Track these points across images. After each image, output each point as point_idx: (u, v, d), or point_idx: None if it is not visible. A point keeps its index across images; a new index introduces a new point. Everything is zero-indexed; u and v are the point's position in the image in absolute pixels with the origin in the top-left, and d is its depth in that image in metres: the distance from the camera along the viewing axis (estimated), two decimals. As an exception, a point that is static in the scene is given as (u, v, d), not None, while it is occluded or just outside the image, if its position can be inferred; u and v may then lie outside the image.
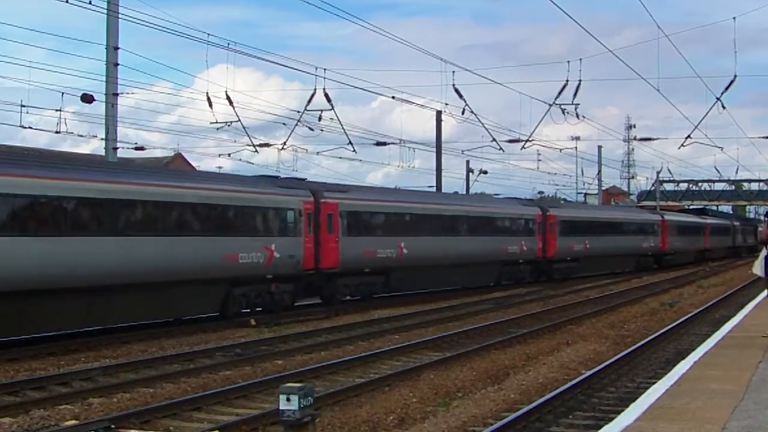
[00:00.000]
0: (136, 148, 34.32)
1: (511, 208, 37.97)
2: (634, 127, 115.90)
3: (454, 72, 32.87)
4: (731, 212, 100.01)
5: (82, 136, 76.39)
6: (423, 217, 30.34)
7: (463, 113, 33.05)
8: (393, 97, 34.99)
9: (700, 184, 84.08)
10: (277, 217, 23.43)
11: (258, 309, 22.89)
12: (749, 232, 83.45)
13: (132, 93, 34.84)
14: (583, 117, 34.30)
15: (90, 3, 20.21)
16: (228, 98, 27.12)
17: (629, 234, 49.03)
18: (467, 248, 32.12)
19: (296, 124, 30.83)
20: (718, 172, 70.39)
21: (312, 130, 31.42)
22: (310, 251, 24.34)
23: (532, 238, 37.57)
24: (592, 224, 43.72)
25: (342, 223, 25.71)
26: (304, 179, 28.82)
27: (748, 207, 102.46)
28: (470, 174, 57.45)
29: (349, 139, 32.41)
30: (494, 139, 37.20)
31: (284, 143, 32.94)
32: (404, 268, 28.59)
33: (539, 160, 52.43)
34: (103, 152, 24.47)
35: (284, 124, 35.10)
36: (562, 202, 60.82)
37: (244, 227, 22.17)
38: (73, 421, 10.52)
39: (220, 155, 62.35)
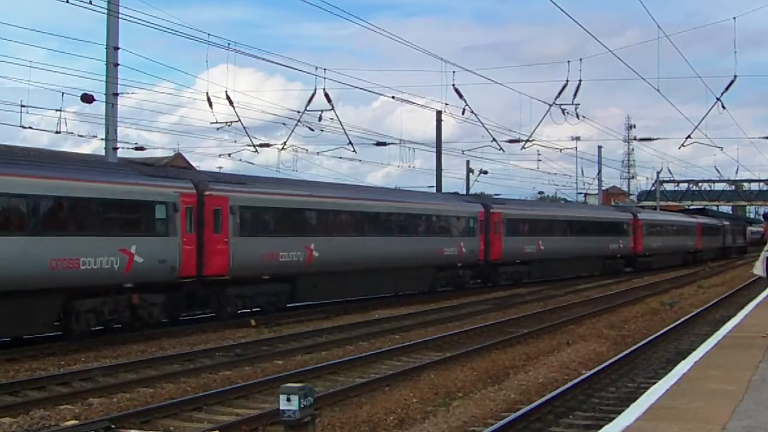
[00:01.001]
0: (136, 148, 34.31)
1: (447, 204, 33.03)
2: (634, 127, 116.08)
3: (454, 72, 32.96)
4: (731, 212, 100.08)
5: (82, 136, 76.54)
6: (338, 214, 26.01)
7: (463, 113, 33.12)
8: (393, 97, 35.07)
9: (700, 184, 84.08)
10: (139, 212, 19.30)
11: (116, 326, 18.99)
12: (738, 232, 79.46)
13: (132, 93, 34.94)
14: (584, 117, 34.35)
15: (90, 3, 20.23)
16: (228, 98, 27.15)
17: (593, 234, 43.78)
18: (394, 250, 27.65)
19: (296, 124, 30.87)
20: (719, 172, 70.50)
21: (312, 130, 31.50)
22: (190, 254, 20.13)
23: (472, 238, 32.88)
24: (546, 223, 39.43)
25: (233, 221, 21.41)
26: (189, 168, 25.38)
27: (748, 207, 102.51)
28: (470, 174, 57.50)
29: (349, 139, 32.41)
30: (494, 139, 37.27)
31: (284, 143, 32.99)
32: (314, 274, 24.10)
33: (539, 161, 52.46)
34: (103, 152, 24.47)
35: (284, 124, 35.15)
36: (527, 199, 56.61)
37: (89, 225, 18.05)
38: (73, 421, 10.52)
39: (220, 155, 62.36)
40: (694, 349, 13.21)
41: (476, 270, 34.06)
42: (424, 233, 30.48)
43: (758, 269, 14.37)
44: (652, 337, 18.23)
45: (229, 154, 37.27)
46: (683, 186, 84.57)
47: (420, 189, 47.12)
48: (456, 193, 37.44)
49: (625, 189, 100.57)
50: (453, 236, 31.92)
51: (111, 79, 23.13)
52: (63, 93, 25.76)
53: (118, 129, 23.99)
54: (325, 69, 28.60)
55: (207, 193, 20.99)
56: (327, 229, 25.23)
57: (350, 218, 26.55)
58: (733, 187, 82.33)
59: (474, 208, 34.02)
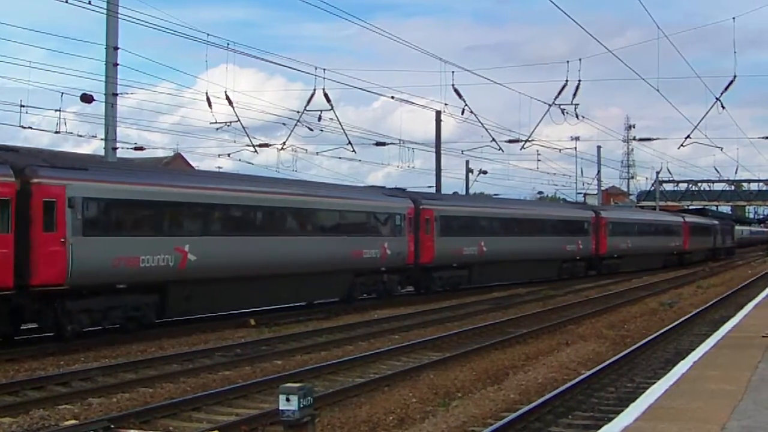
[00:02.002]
0: (136, 148, 34.37)
1: (366, 199, 28.37)
2: (634, 127, 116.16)
3: (453, 72, 32.95)
4: (731, 212, 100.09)
5: (81, 136, 76.43)
6: (222, 209, 21.54)
7: (462, 113, 33.15)
8: (392, 97, 35.09)
9: (699, 184, 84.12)
10: None
11: None
12: (726, 232, 74.93)
13: (132, 93, 34.93)
14: (583, 117, 34.38)
15: (90, 3, 20.23)
16: (227, 98, 27.16)
17: (546, 233, 39.40)
18: (295, 253, 23.54)
19: (296, 125, 30.85)
20: (718, 172, 70.42)
21: (311, 130, 31.51)
22: (6, 260, 16.20)
23: (399, 238, 28.72)
24: (489, 221, 35.00)
25: (72, 216, 17.84)
26: None
27: (747, 207, 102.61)
28: (470, 174, 57.50)
29: (348, 139, 32.35)
30: (494, 139, 37.26)
31: (284, 143, 32.97)
32: (190, 282, 20.05)
33: (539, 161, 52.41)
34: (103, 152, 24.47)
35: (284, 124, 35.15)
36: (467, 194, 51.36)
37: None
38: (73, 421, 10.52)
39: (219, 155, 62.36)
40: (694, 349, 13.24)
41: (404, 275, 29.71)
42: (336, 232, 26.05)
43: None
44: (651, 337, 18.24)
45: (229, 154, 37.29)
46: (683, 186, 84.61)
47: (419, 189, 47.01)
48: (381, 187, 32.18)
49: (625, 189, 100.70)
50: (374, 236, 27.62)
51: (110, 79, 23.13)
52: (62, 93, 25.82)
53: (119, 129, 24.00)
54: (324, 69, 28.62)
55: (35, 181, 16.81)
56: (207, 228, 20.92)
57: (237, 214, 22.16)
58: (733, 188, 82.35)
59: (401, 203, 29.52)
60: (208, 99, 27.05)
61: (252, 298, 22.97)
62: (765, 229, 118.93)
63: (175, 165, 55.36)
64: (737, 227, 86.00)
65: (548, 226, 39.96)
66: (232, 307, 22.54)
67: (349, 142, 32.66)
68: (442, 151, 43.83)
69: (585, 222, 43.48)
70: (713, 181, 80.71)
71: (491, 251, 33.61)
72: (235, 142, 33.73)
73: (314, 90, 28.89)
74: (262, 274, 22.37)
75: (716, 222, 70.94)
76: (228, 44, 24.93)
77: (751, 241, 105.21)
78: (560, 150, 52.45)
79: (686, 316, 22.69)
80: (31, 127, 29.47)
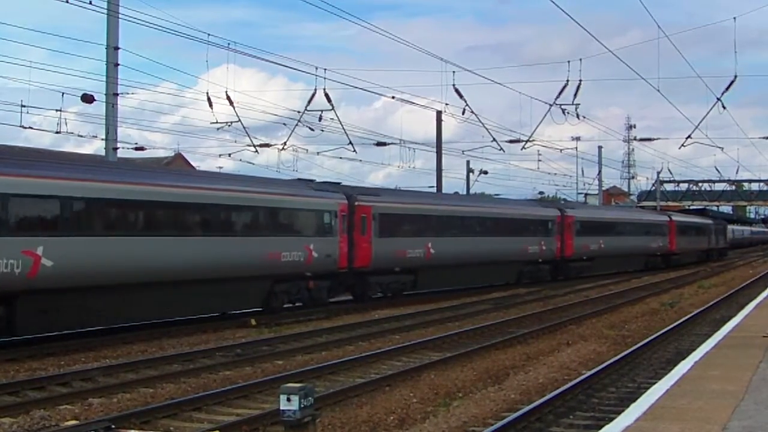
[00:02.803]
0: (136, 148, 34.37)
1: (290, 194, 24.55)
2: (635, 127, 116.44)
3: (454, 72, 33.05)
4: (731, 212, 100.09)
5: (82, 136, 76.47)
6: (93, 204, 17.90)
7: (463, 113, 33.14)
8: (393, 98, 35.07)
9: (700, 184, 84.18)
10: None
11: None
12: (718, 232, 71.07)
13: (133, 93, 34.89)
14: (584, 117, 34.36)
15: (90, 3, 20.24)
16: (228, 98, 27.16)
17: (504, 234, 35.20)
18: (197, 255, 20.17)
19: (296, 124, 30.84)
20: (719, 172, 70.55)
21: (312, 130, 31.52)
22: None
23: (329, 239, 25.28)
24: (438, 220, 30.94)
25: None
26: None
27: (748, 207, 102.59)
28: (470, 174, 57.52)
29: (349, 139, 32.31)
30: (494, 140, 37.27)
31: (284, 143, 32.96)
32: (46, 292, 16.56)
33: (540, 161, 52.43)
34: (104, 152, 24.47)
35: (284, 124, 35.15)
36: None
37: None
38: (73, 421, 10.51)
39: (220, 155, 62.38)
40: (695, 349, 13.23)
41: (337, 281, 26.24)
42: (247, 232, 22.34)
43: None
44: (652, 337, 18.22)
45: (230, 155, 37.28)
46: (683, 186, 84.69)
47: (421, 189, 46.91)
48: (310, 181, 28.44)
49: (626, 189, 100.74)
50: (297, 236, 24.06)
51: (111, 79, 23.15)
52: (63, 93, 25.81)
53: (120, 129, 24.00)
54: (325, 69, 28.59)
55: None
56: (69, 226, 17.24)
57: (113, 210, 18.58)
58: (734, 188, 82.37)
59: (331, 199, 25.91)
60: (208, 99, 27.09)
61: (136, 311, 19.14)
62: (761, 230, 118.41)
63: (176, 165, 55.42)
64: (730, 227, 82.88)
65: (506, 226, 35.67)
66: (108, 322, 19.07)
67: (350, 142, 32.66)
68: (442, 152, 43.88)
69: (549, 221, 39.48)
70: (714, 181, 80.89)
71: (440, 253, 30.04)
72: (235, 142, 33.75)
73: (315, 90, 28.93)
74: (146, 280, 18.73)
75: (710, 221, 67.85)
76: (229, 44, 24.99)
77: (747, 241, 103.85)
78: (561, 150, 52.65)
79: (687, 316, 22.68)
80: (31, 127, 29.46)
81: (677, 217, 58.52)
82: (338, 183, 29.57)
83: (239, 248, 21.62)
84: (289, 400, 7.89)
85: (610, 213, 51.39)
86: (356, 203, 26.79)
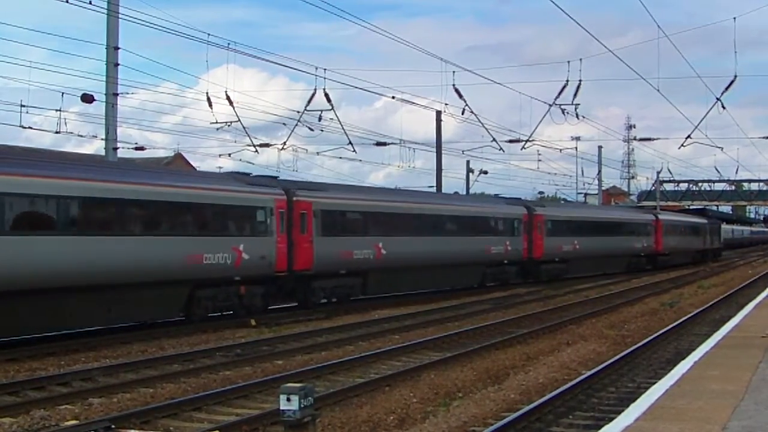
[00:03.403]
0: (136, 148, 34.38)
1: (213, 188, 21.61)
2: (634, 127, 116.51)
3: (454, 72, 33.03)
4: (731, 212, 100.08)
5: (82, 136, 76.39)
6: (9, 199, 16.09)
7: (463, 113, 33.17)
8: (393, 98, 35.05)
9: (700, 184, 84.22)
10: None
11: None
12: (714, 231, 68.22)
13: (133, 93, 34.88)
14: (583, 117, 34.36)
15: (90, 3, 20.24)
16: (228, 98, 27.17)
17: (463, 233, 32.53)
18: (104, 256, 17.86)
19: (296, 124, 30.84)
20: (719, 172, 70.56)
21: (312, 130, 31.55)
22: None
23: (263, 239, 22.60)
24: (389, 218, 28.30)
25: None
26: None
27: (748, 207, 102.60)
28: (470, 174, 57.53)
29: (349, 139, 32.29)
30: (494, 140, 37.28)
31: (284, 143, 32.96)
32: None
33: (539, 161, 52.44)
34: (104, 152, 24.46)
35: (284, 124, 35.14)
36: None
37: None
38: (73, 421, 10.52)
39: (220, 155, 62.36)
40: (694, 349, 13.24)
41: (275, 285, 23.54)
42: (163, 231, 19.81)
43: None
44: (652, 337, 18.22)
45: (230, 154, 37.28)
46: (683, 186, 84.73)
47: (418, 189, 46.80)
48: (245, 174, 24.87)
49: (626, 189, 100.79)
50: (223, 236, 21.50)
51: (111, 79, 23.15)
52: (63, 93, 25.81)
53: (121, 129, 24.02)
54: (325, 69, 28.59)
55: None
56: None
57: (32, 206, 16.90)
58: (734, 188, 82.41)
59: (266, 194, 23.14)
60: (208, 99, 27.10)
61: (23, 321, 16.72)
62: (761, 230, 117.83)
63: (176, 165, 55.41)
64: (726, 226, 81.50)
65: (467, 224, 32.90)
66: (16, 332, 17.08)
67: (350, 142, 32.64)
68: (442, 151, 43.87)
69: (515, 220, 36.38)
70: (714, 181, 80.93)
71: (392, 254, 27.38)
72: (235, 142, 33.77)
73: (315, 90, 28.93)
74: (35, 287, 16.35)
75: (704, 221, 65.32)
76: (228, 44, 25.01)
77: (747, 241, 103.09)
78: (561, 150, 52.63)
79: (687, 316, 22.68)
80: (31, 128, 29.42)
81: (664, 216, 56.04)
82: (275, 177, 26.44)
83: (149, 249, 18.95)
84: (289, 400, 7.89)
85: (586, 211, 48.00)
86: (295, 198, 23.97)
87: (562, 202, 67.09)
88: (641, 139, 55.93)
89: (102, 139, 24.34)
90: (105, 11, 22.58)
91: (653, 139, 52.10)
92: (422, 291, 30.66)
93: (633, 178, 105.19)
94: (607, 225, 46.22)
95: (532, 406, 10.93)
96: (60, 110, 25.59)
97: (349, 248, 25.88)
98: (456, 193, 47.58)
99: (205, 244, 20.65)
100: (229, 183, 22.61)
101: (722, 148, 60.82)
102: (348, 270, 26.06)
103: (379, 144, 40.50)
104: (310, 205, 24.38)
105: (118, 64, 23.26)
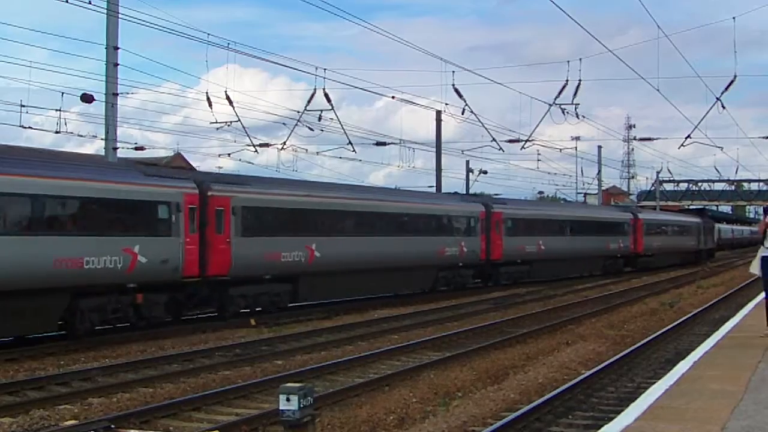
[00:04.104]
0: (136, 148, 34.34)
1: (101, 180, 18.51)
2: (634, 127, 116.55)
3: (454, 72, 32.92)
4: (731, 212, 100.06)
5: (82, 136, 76.54)
6: None
7: (462, 113, 33.15)
8: (393, 98, 35.03)
9: (700, 184, 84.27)
10: None
11: None
12: (707, 231, 64.60)
13: (133, 93, 34.92)
14: (583, 117, 34.37)
15: (90, 3, 20.23)
16: (228, 98, 27.16)
17: (412, 233, 29.47)
18: None
19: (296, 124, 30.83)
20: (718, 172, 70.58)
21: (312, 130, 31.52)
22: None
23: (167, 239, 19.55)
24: (324, 216, 25.19)
25: None
26: None
27: (748, 207, 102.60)
28: (470, 174, 57.52)
29: (349, 139, 32.27)
30: (494, 139, 37.26)
31: (284, 143, 32.95)
32: None
33: (539, 161, 52.42)
34: (104, 152, 24.45)
35: (284, 124, 35.14)
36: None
37: None
38: (73, 421, 10.52)
39: (220, 155, 62.41)
40: (694, 349, 13.22)
41: (183, 293, 20.55)
42: (33, 232, 16.73)
43: (755, 268, 14.32)
44: (651, 337, 18.23)
45: (229, 154, 37.26)
46: (683, 186, 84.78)
47: (420, 189, 46.77)
48: (153, 165, 22.62)
49: (625, 189, 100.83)
50: (112, 236, 18.36)
51: (111, 79, 23.13)
52: (63, 93, 25.82)
53: (122, 129, 24.02)
54: (325, 69, 28.58)
55: None
56: None
57: None
58: (733, 187, 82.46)
59: (171, 187, 20.02)
60: (208, 99, 27.09)
61: None
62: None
63: (175, 165, 55.41)
64: (720, 226, 79.25)
65: (415, 223, 29.86)
66: None
67: (350, 142, 32.61)
68: (442, 151, 43.82)
69: (470, 218, 33.31)
70: (714, 181, 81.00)
71: (327, 257, 24.57)
72: (235, 142, 33.73)
73: (314, 90, 28.92)
74: None
75: (695, 220, 62.08)
76: (228, 44, 24.98)
77: (747, 241, 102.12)
78: (561, 150, 52.58)
79: (686, 316, 22.69)
80: (31, 128, 29.43)
81: (645, 215, 52.77)
82: (187, 168, 22.78)
83: (14, 252, 16.17)
84: (288, 399, 7.89)
85: (552, 209, 44.80)
86: (210, 193, 21.03)
87: (562, 201, 67.03)
88: (641, 139, 55.92)
89: (102, 139, 24.34)
90: (105, 11, 22.58)
91: (653, 139, 52.11)
92: (364, 297, 27.36)
93: (633, 178, 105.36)
94: (577, 223, 42.76)
95: (531, 406, 10.93)
96: (60, 110, 25.60)
97: (275, 250, 22.89)
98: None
99: (85, 245, 17.53)
100: (122, 174, 19.33)
101: (722, 148, 60.83)
102: (274, 275, 22.96)
103: (379, 144, 40.52)
104: (228, 200, 21.44)
105: (118, 64, 23.24)
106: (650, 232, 50.97)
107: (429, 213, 31.09)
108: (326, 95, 29.00)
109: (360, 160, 72.47)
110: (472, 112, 33.25)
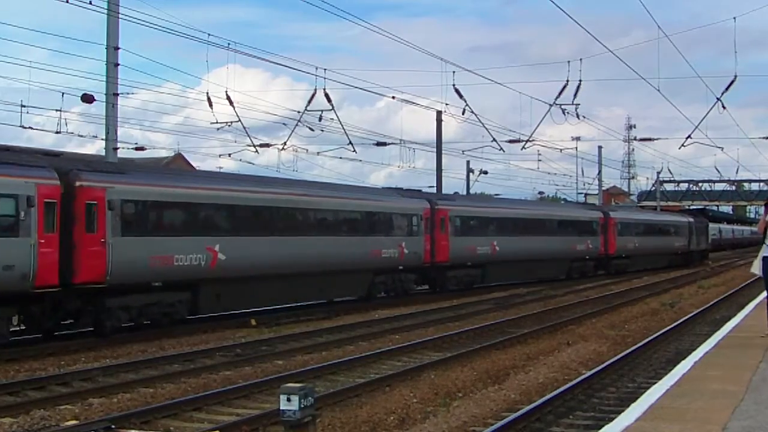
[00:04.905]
0: (137, 149, 34.42)
1: None
2: (635, 127, 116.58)
3: (454, 72, 32.98)
4: (731, 212, 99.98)
5: (82, 136, 76.51)
6: None
7: (463, 113, 33.13)
8: (393, 98, 34.98)
9: (700, 184, 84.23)
10: None
11: None
12: (699, 231, 61.46)
13: (134, 93, 34.95)
14: (584, 117, 34.36)
15: (90, 3, 20.23)
16: (228, 98, 27.15)
17: (346, 232, 26.41)
18: None
19: (296, 125, 30.82)
20: (719, 172, 70.53)
21: (312, 130, 31.51)
22: None
23: (12, 240, 16.06)
24: (232, 212, 21.64)
25: None
26: None
27: (748, 207, 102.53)
28: (470, 174, 57.53)
29: (349, 139, 32.22)
30: (495, 140, 37.25)
31: (284, 143, 32.94)
32: None
33: (540, 161, 52.42)
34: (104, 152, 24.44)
35: (284, 124, 35.14)
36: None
37: None
38: (74, 421, 10.52)
39: (220, 156, 62.40)
40: (694, 349, 13.21)
41: (41, 306, 17.09)
42: None
43: (756, 268, 14.30)
44: (652, 337, 18.22)
45: (230, 155, 37.30)
46: (683, 186, 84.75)
47: (426, 189, 46.74)
48: (6, 150, 18.31)
49: (626, 189, 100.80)
50: None
51: (111, 79, 23.11)
52: (63, 93, 25.82)
53: (123, 129, 24.03)
54: (325, 69, 28.53)
55: None
56: None
57: None
58: (734, 188, 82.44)
59: (20, 177, 16.39)
60: (208, 99, 27.07)
61: None
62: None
63: (176, 165, 55.41)
64: (716, 225, 76.76)
65: (345, 222, 26.60)
66: None
67: (350, 143, 32.58)
68: (443, 152, 43.79)
69: (413, 216, 29.81)
70: (714, 181, 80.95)
71: (234, 260, 21.12)
72: (236, 142, 33.77)
73: (315, 90, 28.90)
74: None
75: (685, 219, 58.75)
76: (229, 44, 24.94)
77: (744, 241, 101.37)
78: (561, 150, 52.54)
79: (687, 316, 22.67)
80: (32, 128, 29.40)
81: (618, 213, 49.17)
82: (50, 153, 19.61)
83: None
84: (289, 400, 7.89)
85: (507, 207, 39.81)
86: (78, 184, 17.56)
87: (563, 201, 67.00)
88: (641, 139, 55.96)
89: (102, 140, 24.34)
90: (105, 11, 22.56)
91: (653, 139, 52.17)
92: (282, 306, 24.14)
93: (633, 178, 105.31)
94: (537, 223, 39.06)
95: (532, 406, 10.92)
96: (61, 110, 25.59)
97: (166, 252, 19.37)
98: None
99: None
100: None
101: (722, 148, 60.95)
102: (166, 282, 19.46)
103: (379, 144, 40.52)
104: (102, 193, 17.89)
105: (118, 64, 23.23)
106: (624, 232, 47.33)
107: (362, 210, 27.46)
108: (327, 95, 28.99)
109: (360, 161, 72.69)
110: (472, 112, 33.24)
